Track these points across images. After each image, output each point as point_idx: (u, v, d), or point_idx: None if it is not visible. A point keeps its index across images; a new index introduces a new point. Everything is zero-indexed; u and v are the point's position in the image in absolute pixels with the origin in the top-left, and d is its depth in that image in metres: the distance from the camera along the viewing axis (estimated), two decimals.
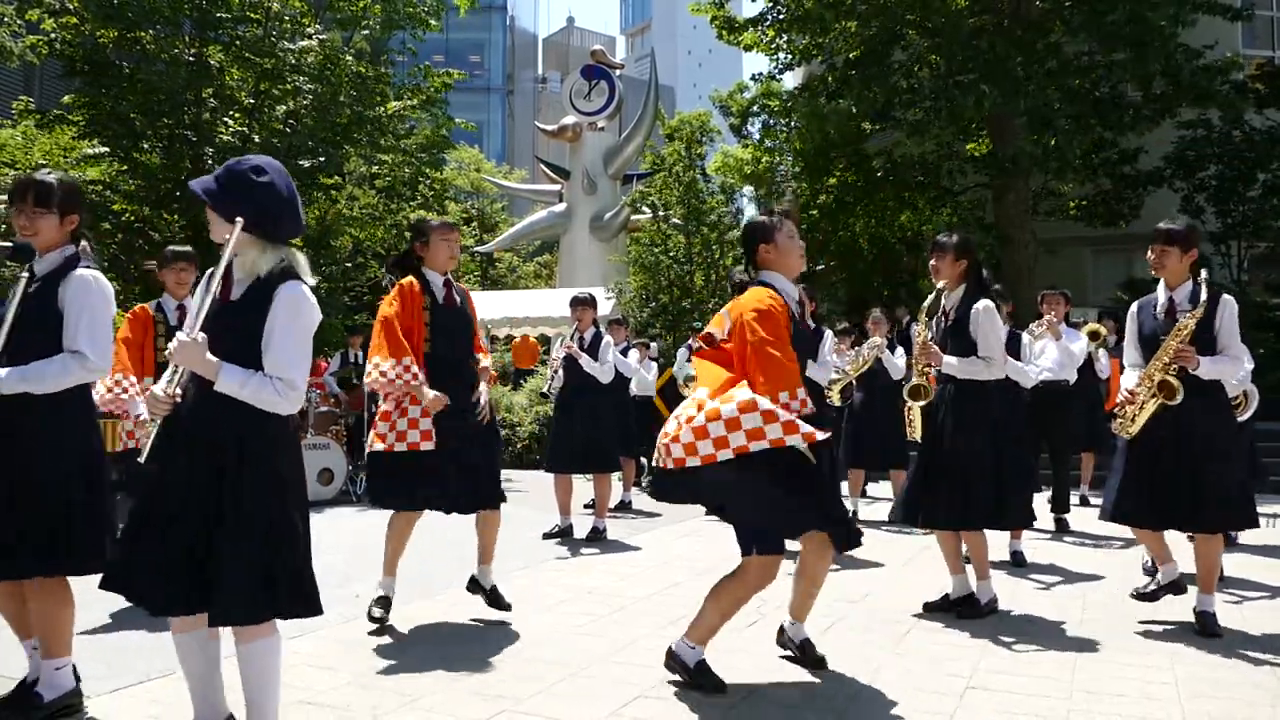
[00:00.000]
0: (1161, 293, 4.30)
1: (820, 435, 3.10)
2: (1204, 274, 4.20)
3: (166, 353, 2.49)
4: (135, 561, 2.53)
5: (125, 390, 4.61)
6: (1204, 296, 4.10)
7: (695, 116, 20.31)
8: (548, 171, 26.34)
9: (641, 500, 9.14)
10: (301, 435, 9.04)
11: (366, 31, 13.87)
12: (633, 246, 18.46)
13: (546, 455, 7.20)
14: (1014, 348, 5.79)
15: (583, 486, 8.16)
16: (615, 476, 7.70)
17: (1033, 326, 6.76)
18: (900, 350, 7.54)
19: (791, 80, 20.54)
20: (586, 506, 7.96)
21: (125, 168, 11.92)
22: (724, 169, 21.21)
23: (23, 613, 3.15)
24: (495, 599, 4.46)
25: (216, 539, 2.46)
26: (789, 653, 3.78)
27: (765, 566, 3.39)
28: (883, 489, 9.22)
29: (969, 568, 4.64)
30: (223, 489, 2.48)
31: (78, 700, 3.10)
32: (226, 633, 2.58)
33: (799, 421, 3.08)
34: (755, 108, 20.12)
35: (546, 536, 6.87)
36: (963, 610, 4.49)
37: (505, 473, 11.85)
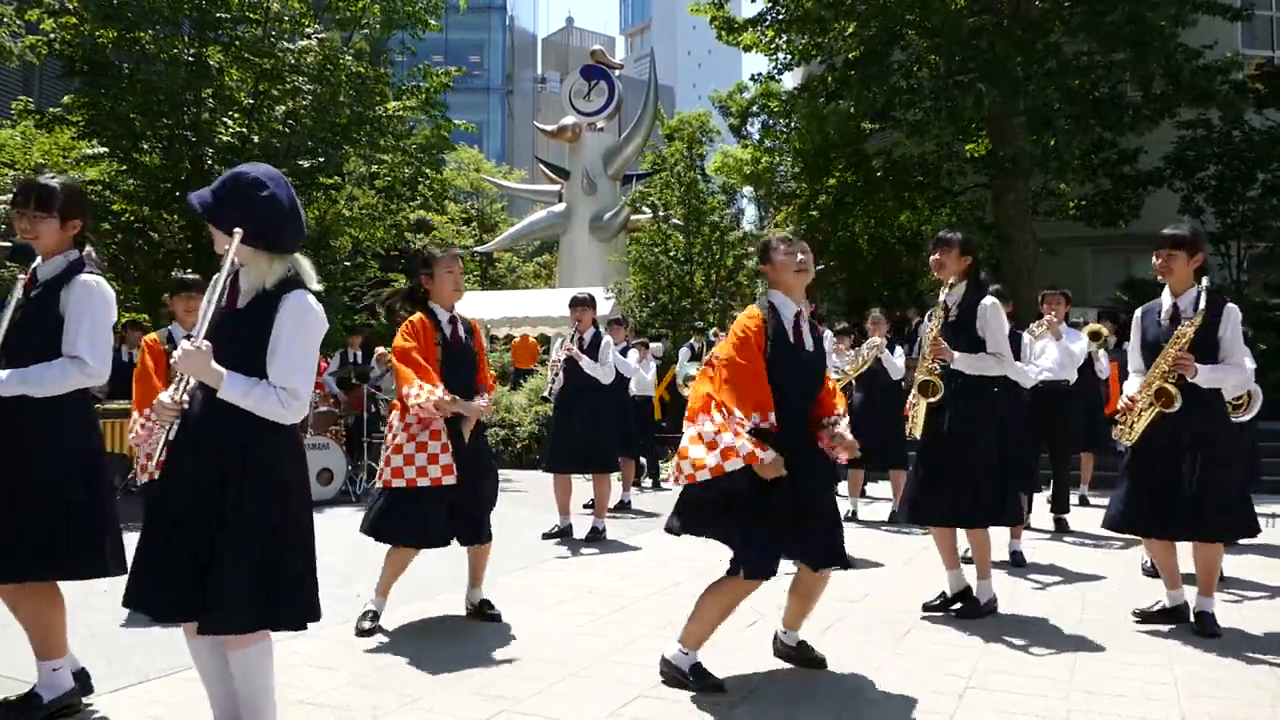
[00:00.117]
0: (1166, 299, 4.29)
1: (762, 457, 3.16)
2: (1205, 281, 4.20)
3: (172, 361, 2.49)
4: (141, 569, 2.54)
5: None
6: (1202, 304, 4.10)
7: (695, 117, 20.35)
8: (547, 172, 26.35)
9: (641, 500, 9.15)
10: (302, 435, 9.06)
11: (366, 31, 13.86)
12: (633, 246, 18.47)
13: (546, 455, 7.20)
14: (1014, 347, 5.79)
15: (582, 486, 8.16)
16: (615, 477, 7.70)
17: (1033, 326, 6.76)
18: (900, 350, 7.54)
19: (791, 80, 20.54)
20: (586, 507, 7.96)
21: (125, 168, 11.92)
22: (724, 169, 21.23)
23: (20, 615, 3.15)
24: (484, 611, 4.46)
25: (218, 544, 2.46)
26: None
27: (748, 585, 3.42)
28: (882, 489, 9.21)
29: (967, 566, 4.64)
30: (225, 496, 2.48)
31: (77, 700, 3.10)
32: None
33: (737, 445, 3.14)
34: (755, 108, 20.12)
35: (546, 536, 6.87)
36: (963, 610, 4.49)
37: (505, 473, 11.90)
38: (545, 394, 7.82)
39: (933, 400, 4.44)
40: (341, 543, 6.55)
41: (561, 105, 25.92)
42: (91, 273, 3.08)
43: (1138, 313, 4.46)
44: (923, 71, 15.66)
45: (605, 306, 14.13)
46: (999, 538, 6.08)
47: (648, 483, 10.54)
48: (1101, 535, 6.92)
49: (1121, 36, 13.63)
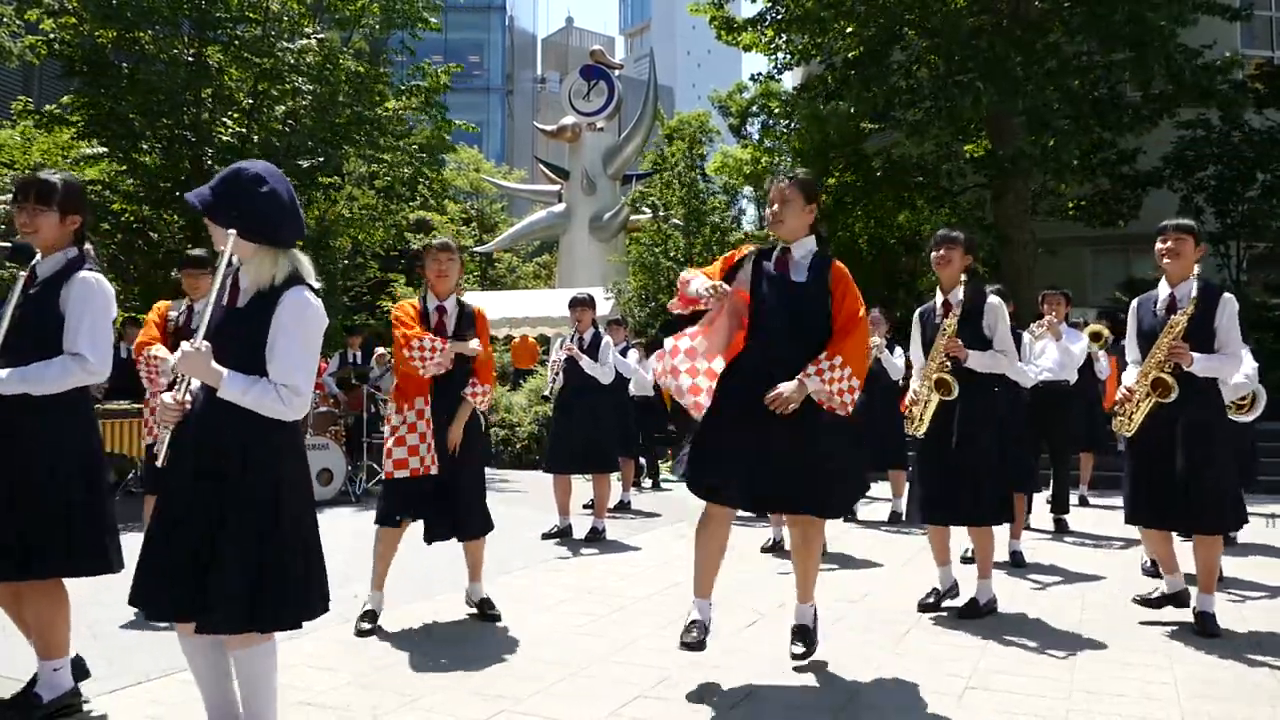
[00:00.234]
0: (1163, 289, 4.30)
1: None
2: (1198, 269, 4.21)
3: (172, 363, 2.49)
4: (145, 568, 2.54)
5: (156, 357, 4.62)
6: (1193, 293, 4.11)
7: (695, 117, 20.35)
8: (547, 172, 26.34)
9: (640, 500, 9.15)
10: (302, 435, 9.06)
11: (366, 31, 13.86)
12: (633, 247, 18.47)
13: (546, 456, 7.20)
14: (1015, 347, 5.79)
15: (582, 487, 8.15)
16: (614, 477, 7.70)
17: (1033, 327, 6.76)
18: (899, 350, 7.54)
19: (791, 80, 20.54)
20: (586, 507, 7.96)
21: (124, 168, 11.92)
22: (723, 169, 21.23)
23: (21, 614, 3.15)
24: (485, 611, 4.46)
25: (219, 544, 2.46)
26: (798, 648, 3.71)
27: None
28: (882, 489, 9.21)
29: (967, 566, 4.65)
30: (225, 495, 2.48)
31: (76, 701, 3.10)
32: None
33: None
34: (754, 108, 20.13)
35: (546, 537, 6.87)
36: (963, 610, 4.49)
37: (505, 473, 11.92)
38: (545, 393, 7.81)
39: (948, 398, 4.43)
40: (341, 543, 6.54)
41: (561, 105, 25.92)
42: (91, 269, 3.08)
43: (1134, 304, 4.46)
44: (922, 71, 15.66)
45: (605, 307, 14.13)
46: (999, 538, 6.09)
47: (647, 483, 10.54)
48: (1101, 535, 6.93)
49: (1121, 36, 13.63)
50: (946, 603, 4.64)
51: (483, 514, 4.49)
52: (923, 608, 4.58)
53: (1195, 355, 4.03)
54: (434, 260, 4.41)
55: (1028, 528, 6.87)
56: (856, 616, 4.51)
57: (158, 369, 4.59)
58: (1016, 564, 5.81)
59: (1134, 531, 5.43)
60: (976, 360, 4.43)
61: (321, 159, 12.69)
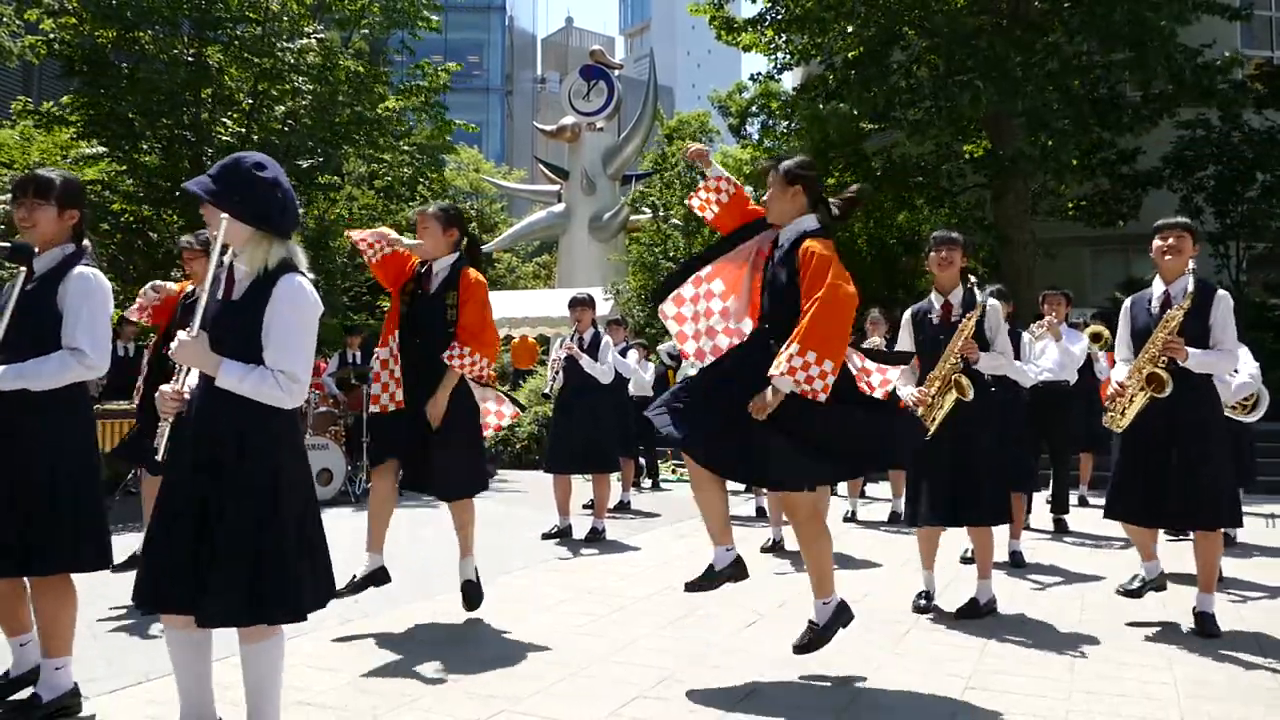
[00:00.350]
0: (1158, 286, 4.29)
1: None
2: (1191, 265, 4.21)
3: (170, 352, 2.49)
4: (148, 564, 2.54)
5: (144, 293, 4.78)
6: (1189, 288, 4.10)
7: (695, 117, 20.35)
8: (547, 172, 26.35)
9: (640, 500, 9.15)
10: (300, 426, 9.05)
11: (366, 31, 13.86)
12: (633, 246, 18.47)
13: (546, 456, 7.20)
14: (1015, 347, 5.79)
15: (582, 487, 8.15)
16: (614, 477, 7.70)
17: (1033, 327, 6.76)
18: None
19: (790, 81, 20.53)
20: (586, 507, 7.96)
21: (124, 168, 11.92)
22: (723, 169, 21.19)
23: (15, 611, 3.16)
24: (466, 595, 4.42)
25: (217, 535, 2.46)
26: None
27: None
28: (882, 489, 9.21)
29: (967, 566, 4.65)
30: (222, 483, 2.48)
31: (76, 701, 3.10)
32: (218, 634, 2.58)
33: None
34: (754, 108, 20.10)
35: (546, 537, 6.87)
36: (963, 610, 4.49)
37: (504, 473, 11.92)
38: (545, 391, 7.82)
39: (965, 399, 4.42)
40: (340, 543, 6.53)
41: (561, 105, 25.93)
42: (89, 265, 3.08)
43: (1127, 302, 4.46)
44: (922, 71, 15.66)
45: (605, 307, 14.13)
46: (999, 538, 6.09)
47: (647, 483, 10.54)
48: (1101, 535, 6.93)
49: (1121, 36, 13.63)
50: (945, 604, 4.64)
51: (465, 477, 4.38)
52: (918, 609, 4.58)
53: (1190, 350, 4.03)
54: (421, 229, 4.42)
55: (1028, 528, 6.87)
56: (856, 617, 4.50)
57: (143, 300, 4.76)
58: (1016, 564, 5.81)
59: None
60: (984, 362, 4.44)
61: (321, 159, 12.69)
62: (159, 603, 2.54)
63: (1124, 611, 4.57)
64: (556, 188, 25.78)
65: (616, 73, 25.60)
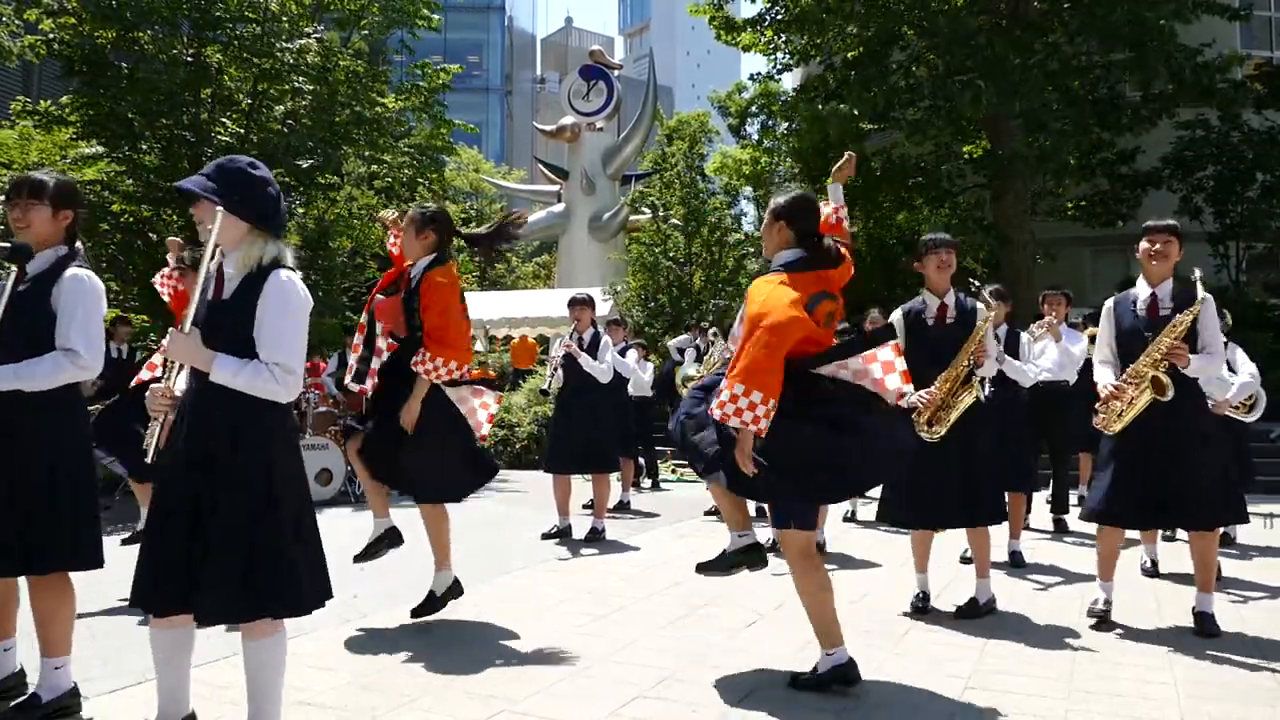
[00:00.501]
0: (1144, 289, 4.27)
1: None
2: (1198, 272, 4.20)
3: (162, 349, 2.50)
4: (142, 567, 2.55)
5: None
6: (1200, 295, 4.10)
7: (694, 117, 20.36)
8: (546, 172, 26.36)
9: (640, 500, 9.15)
10: (300, 436, 9.06)
11: (366, 31, 13.85)
12: (633, 246, 18.47)
13: (546, 456, 7.20)
14: (1013, 348, 5.79)
15: (582, 487, 8.15)
16: (614, 477, 7.70)
17: (1033, 328, 6.75)
18: None
19: (790, 81, 20.54)
20: (585, 507, 7.95)
21: (123, 168, 11.91)
22: (723, 170, 21.25)
23: (8, 613, 3.17)
24: (425, 601, 4.37)
25: (211, 531, 2.46)
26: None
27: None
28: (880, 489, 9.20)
29: (965, 566, 4.65)
30: (216, 476, 2.48)
31: (75, 702, 3.10)
32: (220, 634, 2.59)
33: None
34: (754, 108, 20.13)
35: (545, 537, 6.87)
36: (963, 610, 4.49)
37: (504, 473, 11.90)
38: (544, 388, 7.82)
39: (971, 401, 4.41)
40: (339, 543, 6.53)
41: (560, 105, 25.95)
42: (82, 266, 3.09)
43: (1108, 304, 4.42)
44: (921, 70, 15.67)
45: (604, 307, 14.13)
46: (999, 537, 6.09)
47: (647, 483, 10.54)
48: None
49: (1121, 36, 13.64)
50: (944, 604, 4.64)
51: (432, 481, 4.29)
52: (916, 610, 4.57)
53: (1190, 356, 4.03)
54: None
55: (1027, 528, 6.88)
56: (856, 617, 4.50)
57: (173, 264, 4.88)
58: (1016, 564, 5.81)
59: (1134, 531, 5.44)
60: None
61: (320, 159, 12.68)
62: (157, 603, 2.54)
63: (1124, 612, 4.57)
64: (556, 188, 25.79)
65: (616, 73, 25.61)
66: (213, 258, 2.53)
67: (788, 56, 17.20)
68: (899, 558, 6.09)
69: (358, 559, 4.46)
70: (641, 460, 10.28)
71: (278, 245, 2.63)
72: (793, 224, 3.51)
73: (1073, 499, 7.69)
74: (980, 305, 4.59)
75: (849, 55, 16.27)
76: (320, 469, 8.85)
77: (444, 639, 4.12)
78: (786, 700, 3.32)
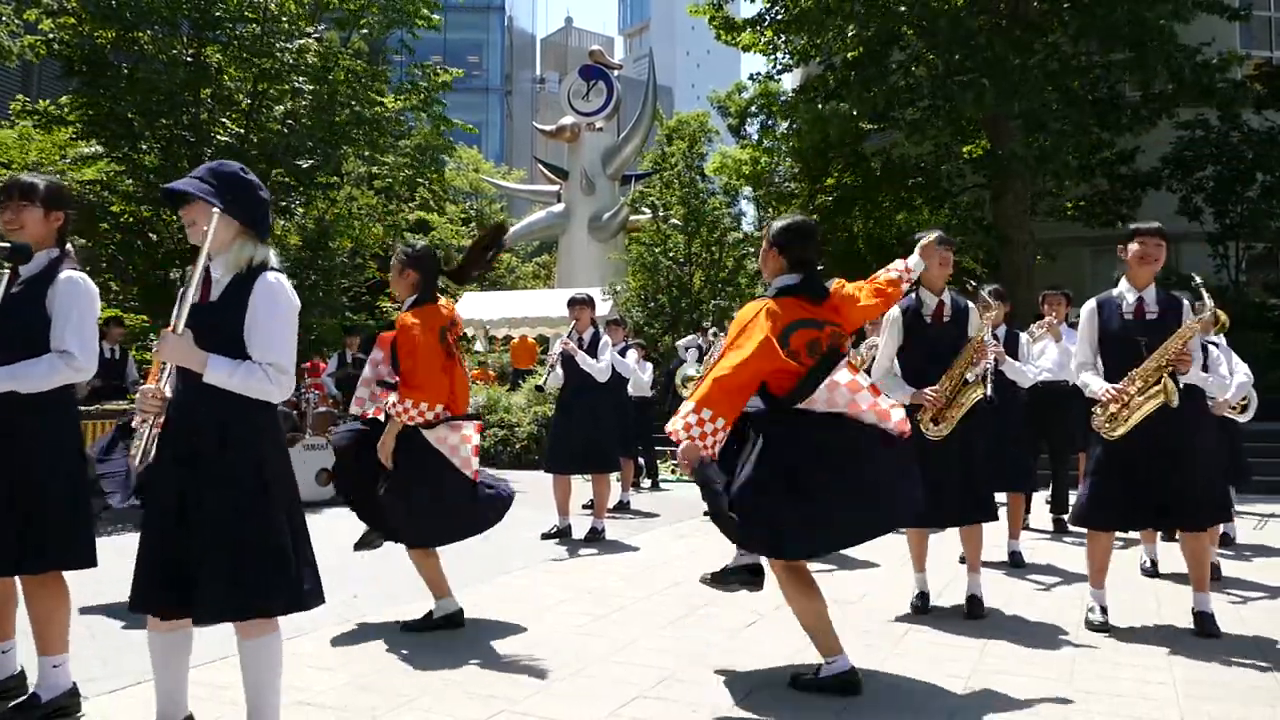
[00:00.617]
0: (1129, 293, 4.25)
1: None
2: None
3: (153, 351, 2.51)
4: (139, 569, 2.55)
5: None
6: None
7: (694, 117, 20.36)
8: (546, 172, 26.37)
9: (640, 501, 9.15)
10: (300, 436, 9.05)
11: (365, 31, 13.85)
12: (633, 246, 18.47)
13: (546, 456, 7.19)
14: (1012, 348, 5.79)
15: (581, 486, 8.15)
16: (614, 477, 7.70)
17: (1033, 328, 6.76)
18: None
19: (790, 82, 20.54)
20: (585, 507, 7.95)
21: (123, 168, 11.93)
22: (722, 170, 21.27)
23: (8, 613, 3.17)
24: (417, 621, 4.33)
25: (202, 530, 2.48)
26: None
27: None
28: None
29: (952, 566, 4.66)
30: (200, 474, 2.50)
31: (75, 701, 3.10)
32: (218, 634, 2.59)
33: None
34: (754, 108, 20.13)
35: (545, 537, 6.87)
36: (969, 610, 4.49)
37: (503, 473, 11.88)
38: (540, 384, 7.81)
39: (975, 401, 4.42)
40: (339, 543, 6.53)
41: (560, 105, 25.96)
42: (75, 269, 3.11)
43: (1091, 305, 4.35)
44: (921, 70, 15.67)
45: (605, 307, 14.13)
46: (999, 537, 6.09)
47: (646, 483, 10.54)
48: None
49: (1121, 36, 13.64)
50: (943, 603, 4.65)
51: (402, 526, 4.25)
52: (916, 611, 4.57)
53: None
54: None
55: (1027, 528, 6.88)
56: (855, 617, 4.51)
57: None
58: (1016, 564, 5.81)
59: (1134, 531, 5.44)
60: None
61: (320, 159, 12.69)
62: (155, 604, 2.55)
63: (1123, 612, 4.57)
64: (556, 188, 25.79)
65: (616, 73, 25.62)
66: (207, 259, 2.54)
67: (787, 56, 17.19)
68: (897, 558, 6.09)
69: (357, 547, 4.51)
70: (641, 460, 10.27)
71: (265, 248, 2.66)
72: (786, 251, 3.53)
73: (1072, 499, 7.69)
74: (971, 304, 4.61)
75: (849, 55, 16.26)
76: (320, 469, 8.85)
77: (444, 639, 4.12)
78: (786, 700, 3.32)
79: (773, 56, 17.20)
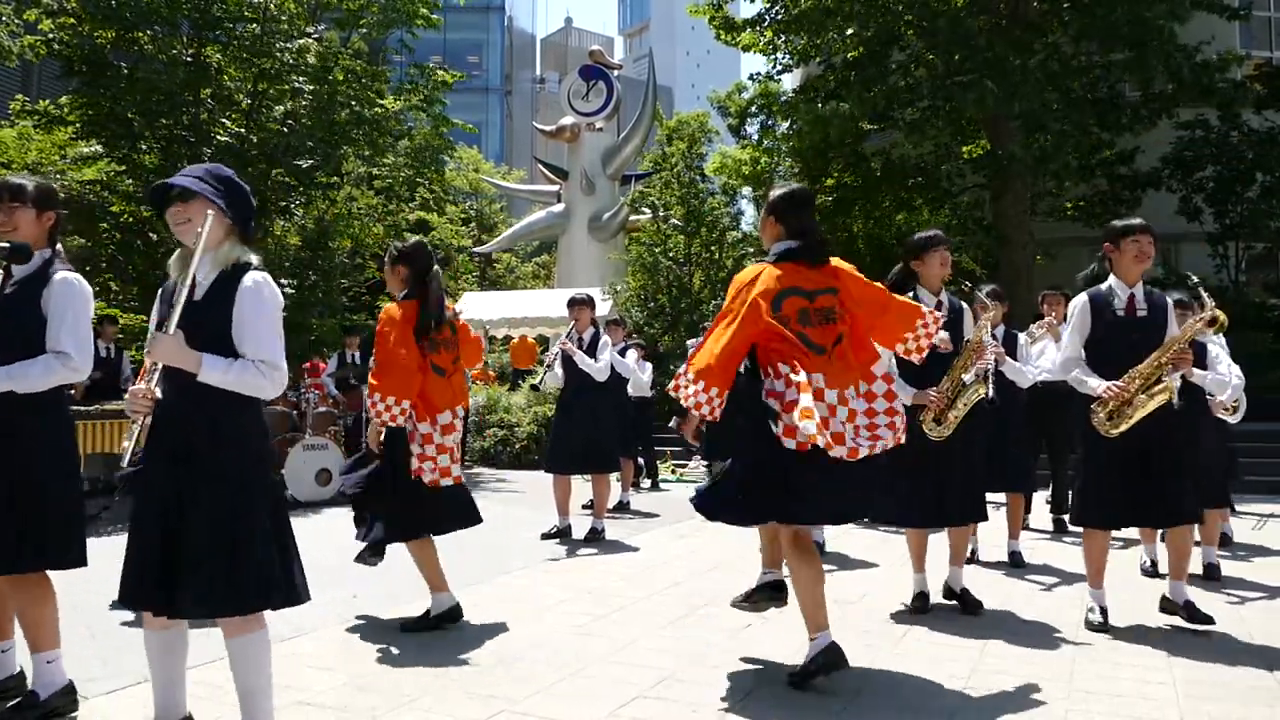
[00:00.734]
0: (1121, 290, 4.24)
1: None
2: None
3: (145, 351, 2.52)
4: (128, 566, 2.57)
5: None
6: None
7: (694, 117, 20.35)
8: (546, 172, 26.37)
9: (640, 501, 9.15)
10: (300, 436, 9.06)
11: (365, 30, 13.84)
12: (633, 247, 18.46)
13: (546, 456, 7.20)
14: (1010, 348, 5.79)
15: (581, 486, 8.15)
16: (614, 477, 7.70)
17: (1033, 328, 6.75)
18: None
19: (790, 82, 20.53)
20: (585, 507, 7.95)
21: (123, 168, 11.92)
22: (722, 170, 21.26)
23: (6, 612, 3.18)
24: (414, 620, 4.37)
25: (194, 525, 2.49)
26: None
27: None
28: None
29: (946, 565, 4.69)
30: (195, 474, 2.52)
31: (71, 699, 3.11)
32: (199, 634, 2.60)
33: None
34: (754, 108, 20.12)
35: (545, 537, 6.87)
36: (966, 607, 4.51)
37: (503, 473, 11.91)
38: (535, 384, 7.83)
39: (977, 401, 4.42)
40: (339, 543, 6.54)
41: (560, 105, 25.96)
42: (69, 269, 3.13)
43: (1083, 301, 4.31)
44: (920, 71, 15.67)
45: (604, 307, 14.13)
46: (999, 537, 6.10)
47: (646, 483, 10.54)
48: None
49: (1120, 36, 13.64)
50: (942, 603, 4.65)
51: (383, 523, 4.34)
52: (916, 611, 4.57)
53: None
54: None
55: (1027, 528, 6.88)
56: (855, 617, 4.51)
57: None
58: (1016, 564, 5.81)
59: (1133, 531, 5.45)
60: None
61: (320, 159, 12.68)
62: (143, 600, 2.57)
63: (1123, 612, 4.57)
64: (556, 188, 25.79)
65: (616, 73, 25.62)
66: (200, 257, 2.54)
67: (787, 57, 17.18)
68: (896, 558, 6.09)
69: (357, 559, 4.50)
70: (641, 460, 10.28)
71: (248, 250, 2.70)
72: (783, 219, 3.60)
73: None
74: (965, 305, 4.64)
75: (849, 55, 16.26)
76: (320, 469, 8.85)
77: (444, 639, 4.12)
78: (786, 700, 3.32)
79: (773, 57, 17.19)
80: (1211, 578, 5.35)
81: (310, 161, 12.51)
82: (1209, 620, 4.16)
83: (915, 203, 17.18)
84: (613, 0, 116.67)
